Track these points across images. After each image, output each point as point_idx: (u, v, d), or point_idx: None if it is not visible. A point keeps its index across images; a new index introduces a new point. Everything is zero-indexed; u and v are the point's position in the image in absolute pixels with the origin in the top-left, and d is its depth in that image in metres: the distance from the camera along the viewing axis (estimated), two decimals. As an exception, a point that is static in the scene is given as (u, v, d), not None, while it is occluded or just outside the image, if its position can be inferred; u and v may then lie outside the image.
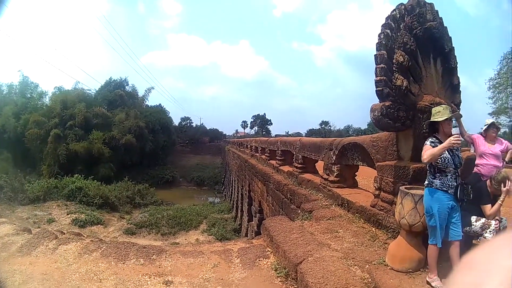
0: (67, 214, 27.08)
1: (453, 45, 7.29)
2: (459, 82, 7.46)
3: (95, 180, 37.55)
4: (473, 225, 5.56)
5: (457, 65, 7.36)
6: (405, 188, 5.59)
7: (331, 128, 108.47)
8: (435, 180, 4.92)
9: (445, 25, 7.21)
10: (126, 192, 40.19)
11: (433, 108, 5.36)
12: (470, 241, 5.83)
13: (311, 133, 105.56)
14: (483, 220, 5.49)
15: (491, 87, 36.14)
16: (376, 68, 6.49)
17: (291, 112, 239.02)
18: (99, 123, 56.43)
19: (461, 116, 5.82)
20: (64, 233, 9.28)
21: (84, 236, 9.87)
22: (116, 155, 54.74)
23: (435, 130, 5.27)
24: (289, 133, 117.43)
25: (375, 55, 6.57)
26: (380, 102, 6.57)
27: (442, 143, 4.86)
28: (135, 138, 57.99)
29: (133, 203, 39.12)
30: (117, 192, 38.76)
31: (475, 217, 5.59)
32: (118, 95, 64.38)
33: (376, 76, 6.48)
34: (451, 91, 7.37)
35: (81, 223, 25.74)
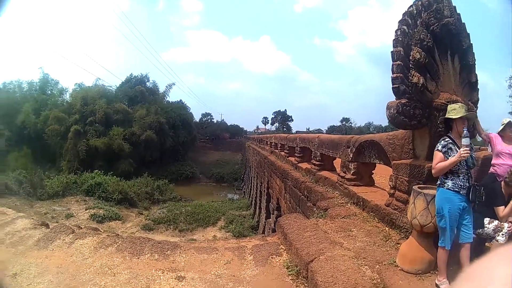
0: (86, 210, 27.30)
1: (471, 42, 7.15)
2: (477, 80, 7.31)
3: (115, 176, 37.88)
4: (486, 227, 5.47)
5: (475, 62, 7.22)
6: (418, 187, 5.51)
7: (352, 125, 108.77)
8: (447, 181, 4.85)
9: (463, 21, 7.09)
10: (145, 188, 40.50)
11: (448, 105, 5.31)
12: (483, 243, 5.75)
13: (331, 129, 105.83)
14: (496, 222, 5.41)
15: (511, 85, 35.40)
16: (392, 65, 6.43)
17: (312, 108, 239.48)
18: (119, 119, 57.20)
19: (476, 116, 5.73)
20: (81, 228, 9.36)
21: (101, 231, 9.95)
22: (136, 151, 55.37)
23: (449, 127, 5.22)
24: (310, 129, 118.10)
25: (391, 52, 6.51)
26: (396, 100, 6.51)
27: (455, 143, 4.87)
28: (156, 134, 58.70)
29: (152, 199, 39.40)
30: (136, 188, 39.12)
31: (488, 219, 5.50)
32: (138, 91, 65.14)
33: (393, 73, 6.41)
34: (469, 88, 7.24)
35: (99, 218, 25.90)
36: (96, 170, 37.39)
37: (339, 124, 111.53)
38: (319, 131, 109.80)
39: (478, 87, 7.26)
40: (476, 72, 7.16)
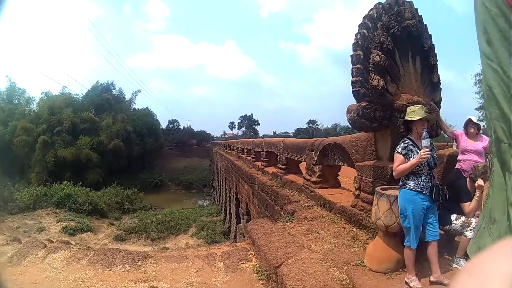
0: (57, 222, 27.03)
1: (433, 43, 7.30)
2: (439, 80, 7.46)
3: (84, 187, 37.69)
4: (454, 223, 5.59)
5: (437, 63, 7.37)
6: (381, 189, 5.60)
7: (319, 127, 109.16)
8: (408, 182, 4.92)
9: (424, 23, 7.21)
10: (115, 198, 40.35)
11: (408, 107, 5.36)
12: (452, 239, 5.86)
13: (298, 132, 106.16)
14: (463, 218, 5.52)
15: (477, 82, 36.19)
16: (352, 68, 6.52)
17: (278, 111, 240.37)
18: (86, 128, 56.56)
19: (438, 115, 5.81)
20: (53, 242, 9.29)
21: (72, 244, 9.87)
22: (104, 160, 54.94)
23: (409, 129, 5.28)
24: (277, 132, 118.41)
25: (351, 55, 6.61)
26: (357, 103, 6.59)
27: (415, 145, 4.95)
28: (123, 142, 58.34)
29: (122, 208, 39.27)
30: (106, 198, 38.96)
31: (455, 215, 5.61)
32: (105, 99, 64.23)
33: (352, 77, 6.50)
34: (431, 89, 7.37)
35: (71, 230, 25.75)
36: (65, 182, 36.98)
37: (305, 126, 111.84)
38: (286, 134, 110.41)
39: (441, 86, 7.39)
40: (441, 71, 7.31)
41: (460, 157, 6.73)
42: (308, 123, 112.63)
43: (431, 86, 7.38)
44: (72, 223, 27.07)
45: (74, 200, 32.02)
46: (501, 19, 1.14)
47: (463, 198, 5.60)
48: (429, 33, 7.29)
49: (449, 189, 5.23)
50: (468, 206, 5.50)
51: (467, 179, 5.83)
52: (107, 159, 55.69)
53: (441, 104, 7.47)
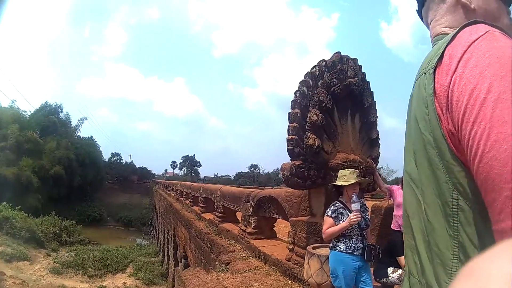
0: None
1: (374, 100, 7.52)
2: (378, 136, 7.65)
3: (23, 211, 35.96)
4: (390, 276, 5.69)
5: (377, 120, 7.57)
6: (313, 246, 5.63)
7: (260, 172, 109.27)
8: (339, 244, 4.92)
9: (367, 80, 7.43)
10: (53, 227, 38.77)
11: (340, 171, 5.40)
12: (390, 290, 5.94)
13: (239, 176, 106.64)
14: (400, 271, 5.62)
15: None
16: (288, 126, 6.59)
17: (221, 154, 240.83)
18: (30, 149, 54.42)
19: (368, 181, 5.89)
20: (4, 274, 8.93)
21: (7, 276, 9.51)
22: (45, 186, 52.96)
23: (339, 192, 5.32)
24: (218, 175, 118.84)
25: (288, 113, 6.70)
26: (291, 161, 6.63)
27: (346, 207, 4.97)
28: (64, 170, 57.07)
29: (59, 240, 37.77)
30: (44, 227, 37.42)
31: (392, 268, 5.72)
32: (51, 122, 63.01)
33: (288, 135, 6.56)
34: (369, 145, 7.54)
35: (8, 257, 24.76)
36: (4, 203, 34.95)
37: (247, 170, 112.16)
38: (227, 177, 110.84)
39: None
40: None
41: (395, 212, 6.87)
42: (250, 167, 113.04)
43: (369, 143, 7.55)
44: (8, 249, 26.02)
45: (12, 224, 30.56)
46: (433, 151, 1.08)
47: (399, 252, 5.67)
48: (371, 90, 7.51)
49: (386, 243, 5.32)
50: (404, 259, 5.59)
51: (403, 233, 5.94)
52: (48, 185, 53.90)
53: (379, 160, 7.63)
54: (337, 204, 5.09)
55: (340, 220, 4.91)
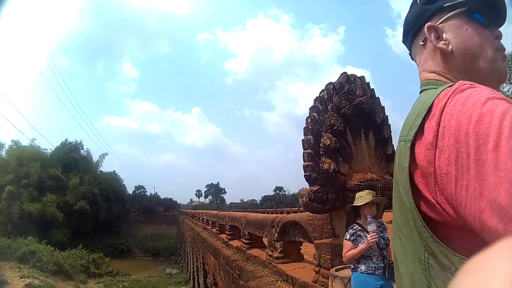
0: (20, 278, 25.64)
1: (386, 115, 7.53)
2: (393, 151, 7.42)
3: (49, 245, 36.01)
4: None
5: (391, 134, 7.52)
6: (335, 270, 5.68)
7: (286, 193, 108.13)
8: (360, 265, 4.94)
9: (376, 96, 7.47)
10: (80, 260, 39.14)
11: (357, 193, 5.44)
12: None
13: (265, 199, 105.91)
14: None
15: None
16: (303, 153, 6.64)
17: (245, 179, 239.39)
18: (53, 186, 55.70)
19: (385, 201, 5.89)
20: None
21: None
22: (70, 220, 53.84)
23: (358, 214, 5.38)
24: (244, 200, 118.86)
25: (302, 140, 6.74)
26: (309, 187, 6.68)
27: (364, 229, 4.99)
28: (89, 204, 57.98)
29: (88, 272, 38.07)
30: (72, 260, 37.59)
31: None
32: (73, 159, 64.32)
33: (304, 162, 6.61)
34: (385, 161, 7.51)
35: (35, 289, 24.63)
36: (30, 237, 35.09)
37: (272, 193, 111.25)
38: (253, 201, 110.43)
39: None
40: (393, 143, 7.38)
41: None
42: (275, 190, 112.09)
43: (386, 159, 7.52)
44: (36, 281, 25.78)
45: (39, 257, 30.49)
46: (409, 215, 1.14)
47: None
48: (382, 105, 7.55)
49: None
50: None
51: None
52: (73, 220, 54.76)
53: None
54: (354, 227, 5.14)
55: (358, 243, 4.94)
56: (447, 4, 1.29)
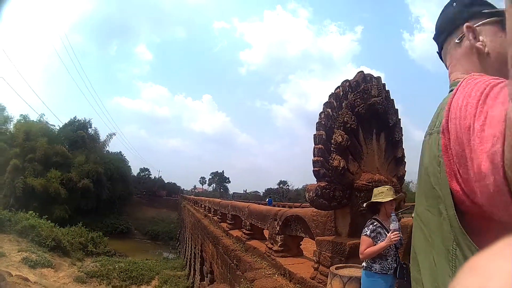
0: (18, 251, 26.11)
1: (399, 118, 7.52)
2: (403, 155, 7.61)
3: (49, 221, 36.30)
4: None
5: (402, 138, 7.55)
6: (337, 266, 5.63)
7: (289, 188, 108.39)
8: (374, 265, 4.83)
9: (391, 98, 7.44)
10: (79, 238, 39.46)
11: (375, 189, 5.34)
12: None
13: (269, 192, 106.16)
14: None
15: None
16: (314, 148, 6.59)
17: (250, 170, 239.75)
18: (58, 162, 56.00)
19: (404, 197, 5.81)
20: (12, 276, 9.06)
21: (31, 282, 9.62)
22: (72, 198, 54.18)
23: (375, 210, 5.25)
24: (247, 191, 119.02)
25: (314, 135, 6.67)
26: (317, 182, 6.63)
27: (383, 227, 4.91)
28: (93, 183, 58.35)
29: (85, 250, 38.31)
30: (70, 237, 38.03)
31: None
32: (80, 137, 64.80)
33: (314, 156, 6.55)
34: (394, 164, 7.53)
35: (32, 263, 24.93)
36: (31, 211, 35.58)
37: (276, 186, 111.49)
38: (256, 193, 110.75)
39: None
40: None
41: None
42: (279, 184, 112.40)
43: (395, 162, 7.53)
44: (33, 256, 26.20)
45: (38, 232, 30.92)
46: (442, 205, 1.15)
47: None
48: (396, 108, 7.52)
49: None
50: None
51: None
52: (75, 197, 55.10)
53: (404, 178, 7.60)
54: (375, 224, 5.00)
55: (378, 240, 4.84)
56: (486, 10, 1.35)
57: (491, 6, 1.36)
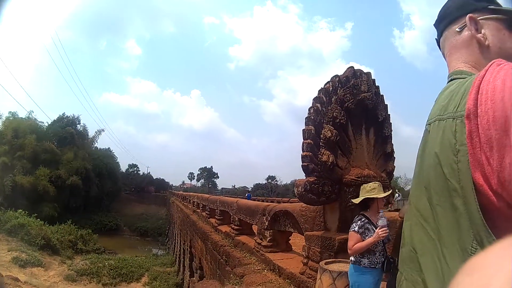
0: (8, 251, 25.83)
1: (388, 113, 7.53)
2: (392, 150, 7.65)
3: (38, 219, 36.27)
4: None
5: (391, 133, 7.57)
6: (326, 262, 5.63)
7: (278, 183, 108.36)
8: (363, 259, 4.85)
9: (381, 94, 7.46)
10: (68, 236, 39.32)
11: (365, 185, 5.32)
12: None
13: (257, 187, 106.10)
14: None
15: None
16: (303, 143, 6.58)
17: (238, 165, 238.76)
18: (47, 159, 55.61)
19: (393, 192, 5.83)
20: (2, 276, 9.01)
21: (21, 282, 9.58)
22: (61, 195, 54.04)
23: (365, 206, 5.23)
24: (236, 187, 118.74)
25: (303, 130, 6.66)
26: (306, 177, 6.63)
27: (371, 222, 4.94)
28: (81, 180, 58.00)
29: (75, 248, 38.17)
30: (60, 235, 37.92)
31: None
32: (69, 133, 63.95)
33: (303, 152, 6.55)
34: (383, 159, 7.55)
35: (22, 262, 24.68)
36: (20, 210, 35.23)
37: (265, 182, 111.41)
38: (245, 188, 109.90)
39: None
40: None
41: None
42: (267, 179, 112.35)
43: (384, 157, 7.55)
44: (23, 255, 25.95)
45: (27, 231, 30.68)
46: (459, 200, 1.05)
47: None
48: (385, 103, 7.53)
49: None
50: None
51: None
52: (64, 194, 54.96)
53: (393, 173, 7.61)
54: (363, 220, 5.01)
55: (366, 236, 4.86)
56: (492, 7, 1.37)
57: (497, 3, 1.39)
